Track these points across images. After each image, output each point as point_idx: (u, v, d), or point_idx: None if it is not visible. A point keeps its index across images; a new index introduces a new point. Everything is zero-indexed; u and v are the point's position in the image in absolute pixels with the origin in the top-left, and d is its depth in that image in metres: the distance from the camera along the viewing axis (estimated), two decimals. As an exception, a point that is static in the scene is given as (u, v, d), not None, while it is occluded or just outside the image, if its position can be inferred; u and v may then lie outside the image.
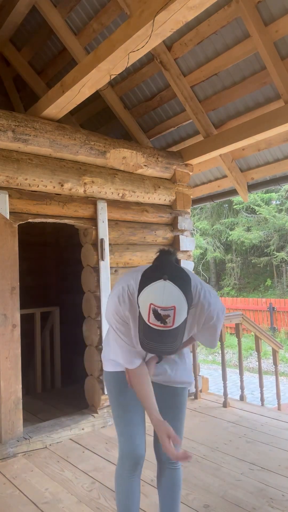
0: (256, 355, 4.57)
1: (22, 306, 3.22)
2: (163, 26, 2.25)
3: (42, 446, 3.08)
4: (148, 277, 1.35)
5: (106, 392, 1.78)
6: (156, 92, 4.09)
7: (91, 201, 3.56)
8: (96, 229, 3.58)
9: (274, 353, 4.61)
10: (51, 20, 3.75)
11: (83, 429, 3.35)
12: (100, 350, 3.47)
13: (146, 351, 1.44)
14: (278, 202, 16.40)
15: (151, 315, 1.29)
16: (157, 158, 3.99)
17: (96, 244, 3.58)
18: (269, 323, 12.22)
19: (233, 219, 17.34)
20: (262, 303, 12.84)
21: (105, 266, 3.59)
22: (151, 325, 1.31)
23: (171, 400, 1.81)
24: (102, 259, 3.58)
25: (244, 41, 3.24)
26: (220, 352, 4.18)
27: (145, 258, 3.95)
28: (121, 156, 3.69)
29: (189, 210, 4.38)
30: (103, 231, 3.60)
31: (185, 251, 4.30)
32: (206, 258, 18.31)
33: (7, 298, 3.03)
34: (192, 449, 3.01)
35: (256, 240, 16.24)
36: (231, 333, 10.40)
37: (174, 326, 1.30)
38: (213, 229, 17.88)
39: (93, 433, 3.36)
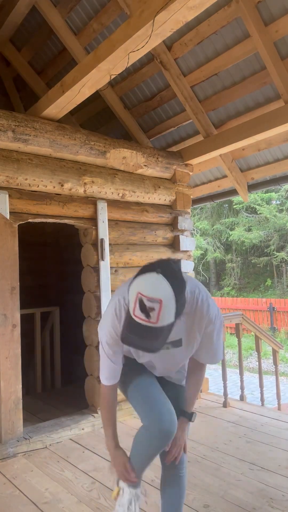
0: (256, 355, 4.57)
1: (22, 306, 3.22)
2: (163, 26, 2.25)
3: (42, 446, 3.08)
4: (142, 270, 1.34)
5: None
6: (156, 92, 4.09)
7: (91, 201, 3.56)
8: (96, 229, 3.58)
9: (274, 353, 4.61)
10: (51, 20, 3.75)
11: (83, 429, 3.35)
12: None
13: (125, 344, 1.40)
14: (278, 202, 16.40)
15: (137, 306, 1.27)
16: (157, 158, 3.99)
17: (96, 244, 3.58)
18: (269, 323, 12.22)
19: (233, 219, 17.35)
20: (262, 303, 12.84)
21: (105, 266, 3.59)
22: (136, 318, 1.28)
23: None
24: (102, 259, 3.58)
25: (244, 41, 3.23)
26: (220, 352, 4.18)
27: (145, 258, 3.95)
28: (121, 156, 3.69)
29: (189, 210, 4.38)
30: (103, 231, 3.60)
31: (185, 251, 4.30)
32: (207, 259, 18.31)
33: (7, 298, 3.03)
34: (192, 449, 3.01)
35: (256, 240, 16.25)
36: (231, 333, 10.40)
37: (157, 324, 1.26)
38: (213, 229, 17.89)
39: (93, 433, 3.36)
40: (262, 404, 4.29)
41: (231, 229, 17.28)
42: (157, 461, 2.84)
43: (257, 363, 4.47)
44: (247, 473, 2.62)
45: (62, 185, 3.33)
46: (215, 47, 3.42)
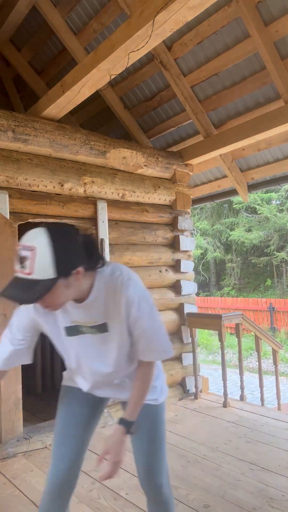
0: (256, 355, 4.58)
1: (22, 306, 3.22)
2: (163, 26, 2.25)
3: (42, 446, 3.08)
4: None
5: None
6: (156, 92, 4.09)
7: (91, 201, 3.56)
8: (96, 229, 3.58)
9: (274, 353, 4.61)
10: (51, 20, 3.75)
11: (83, 429, 3.35)
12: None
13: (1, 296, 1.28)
14: (278, 202, 16.41)
15: (15, 259, 1.22)
16: (157, 158, 3.99)
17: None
18: (269, 323, 12.22)
19: (233, 219, 17.35)
20: (262, 303, 12.84)
21: (105, 266, 3.59)
22: (15, 274, 1.23)
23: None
24: (102, 259, 3.58)
25: (244, 41, 3.24)
26: (220, 352, 4.18)
27: (145, 258, 3.96)
28: (121, 156, 3.69)
29: (189, 210, 4.38)
30: (103, 231, 3.60)
31: (185, 251, 4.30)
32: (207, 258, 18.31)
33: (7, 298, 3.02)
34: (192, 449, 3.01)
35: (256, 240, 16.25)
36: (231, 333, 10.40)
37: (31, 275, 1.17)
38: (213, 229, 17.89)
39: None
40: (262, 404, 4.29)
41: (231, 229, 17.28)
42: (157, 461, 2.83)
43: (257, 363, 4.47)
44: (247, 473, 2.62)
45: (62, 185, 3.33)
46: (215, 47, 3.42)
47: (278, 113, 3.29)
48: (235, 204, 16.42)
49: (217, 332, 4.04)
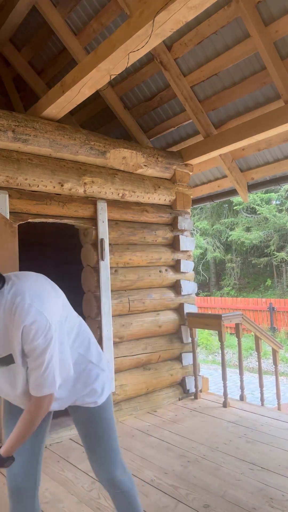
0: (256, 355, 4.58)
1: (22, 306, 3.21)
2: (163, 26, 2.25)
3: (42, 446, 3.08)
4: None
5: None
6: (156, 92, 4.09)
7: (91, 201, 3.56)
8: (96, 229, 3.58)
9: (274, 353, 4.61)
10: (51, 20, 3.75)
11: (83, 429, 3.35)
12: (100, 350, 3.46)
13: None
14: (278, 202, 16.41)
15: None
16: (157, 158, 4.00)
17: (96, 244, 3.59)
18: (269, 323, 12.22)
19: (233, 219, 17.36)
20: (262, 303, 12.83)
21: (105, 266, 3.59)
22: None
23: (80, 425, 1.62)
24: (102, 259, 3.58)
25: (244, 41, 3.24)
26: (220, 352, 4.18)
27: (145, 258, 3.96)
28: (121, 156, 3.69)
29: (189, 210, 4.38)
30: (103, 231, 3.61)
31: (185, 251, 4.31)
32: (206, 258, 18.31)
33: (7, 298, 3.02)
34: (192, 449, 3.01)
35: (256, 240, 16.25)
36: (231, 333, 10.40)
37: None
38: (213, 229, 17.89)
39: (93, 433, 3.35)
40: (262, 404, 4.29)
41: (231, 229, 17.29)
42: (156, 460, 2.85)
43: (257, 363, 4.47)
44: (247, 473, 2.62)
45: (62, 185, 3.33)
46: (215, 47, 3.42)
47: (278, 113, 3.29)
48: (235, 204, 16.43)
49: (217, 332, 4.04)
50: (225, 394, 3.96)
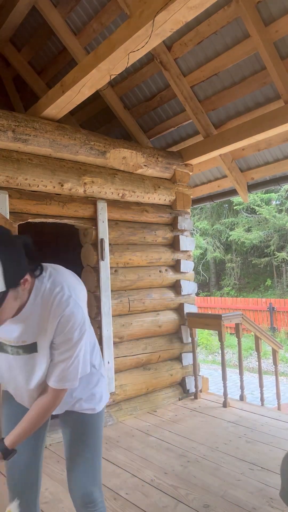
0: (256, 355, 4.58)
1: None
2: (163, 26, 2.25)
3: (42, 446, 3.08)
4: None
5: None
6: (156, 92, 4.09)
7: (91, 201, 3.56)
8: (96, 229, 3.58)
9: (274, 353, 4.61)
10: (51, 20, 3.75)
11: (83, 429, 3.35)
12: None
13: None
14: (278, 202, 16.41)
15: None
16: (157, 158, 4.00)
17: (96, 244, 3.59)
18: (269, 323, 12.22)
19: (233, 219, 17.36)
20: (262, 303, 12.84)
21: (105, 266, 3.60)
22: None
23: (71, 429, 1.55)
24: (102, 259, 3.58)
25: (244, 41, 3.24)
26: (220, 352, 4.18)
27: (145, 258, 3.96)
28: (121, 156, 3.69)
29: (189, 210, 4.38)
30: (103, 231, 3.61)
31: (185, 251, 4.31)
32: (206, 258, 18.31)
33: (7, 298, 3.02)
34: (192, 449, 3.01)
35: (256, 240, 16.26)
36: (231, 333, 10.40)
37: None
38: (213, 229, 17.90)
39: (93, 433, 3.35)
40: (262, 404, 4.29)
41: (231, 229, 17.29)
42: (156, 460, 2.85)
43: (257, 363, 4.47)
44: (247, 473, 2.62)
45: (62, 185, 3.33)
46: (215, 47, 3.42)
47: (278, 113, 3.29)
48: (235, 204, 16.43)
49: (217, 332, 4.04)
50: (225, 394, 3.96)
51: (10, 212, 3.08)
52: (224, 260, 18.22)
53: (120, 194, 3.75)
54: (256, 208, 15.77)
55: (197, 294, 15.45)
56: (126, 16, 3.31)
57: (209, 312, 11.26)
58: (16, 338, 1.32)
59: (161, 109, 4.22)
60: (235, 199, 14.74)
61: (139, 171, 3.88)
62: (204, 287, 18.57)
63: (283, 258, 15.73)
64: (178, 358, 4.21)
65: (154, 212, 4.06)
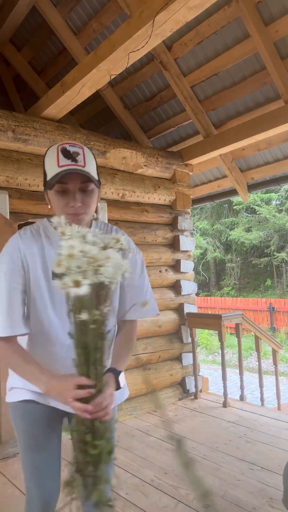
0: (256, 355, 4.58)
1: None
2: (163, 26, 2.25)
3: (42, 446, 3.07)
4: None
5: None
6: (156, 92, 4.09)
7: (91, 201, 3.56)
8: (96, 229, 3.57)
9: (274, 353, 4.61)
10: (51, 20, 3.75)
11: (83, 429, 3.35)
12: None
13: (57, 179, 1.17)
14: (278, 202, 16.41)
15: (60, 156, 1.18)
16: (157, 158, 4.00)
17: (96, 244, 3.58)
18: (269, 323, 12.22)
19: (233, 219, 17.36)
20: (262, 303, 12.84)
21: (105, 266, 3.59)
22: (62, 168, 1.16)
23: None
24: (102, 259, 3.58)
25: (244, 41, 3.24)
26: (220, 352, 4.18)
27: (145, 258, 3.94)
28: (121, 156, 3.69)
29: (189, 210, 4.38)
30: (103, 231, 3.60)
31: (185, 251, 4.31)
32: (206, 258, 18.32)
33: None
34: (192, 449, 3.01)
35: (256, 240, 16.26)
36: (231, 333, 10.40)
37: (85, 168, 1.17)
38: (213, 229, 17.90)
39: (93, 433, 3.35)
40: (262, 404, 4.29)
41: (231, 229, 17.29)
42: (156, 460, 2.85)
43: (257, 363, 4.47)
44: (247, 473, 2.62)
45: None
46: (215, 47, 3.42)
47: (278, 113, 3.29)
48: (235, 204, 16.44)
49: (217, 332, 4.04)
50: (225, 394, 3.96)
51: (10, 212, 3.08)
52: (224, 260, 18.23)
53: (120, 194, 3.75)
54: (256, 208, 15.77)
55: (197, 294, 15.45)
56: (126, 16, 3.31)
57: (209, 312, 11.26)
58: None
59: (161, 109, 4.22)
60: (235, 199, 14.74)
61: (139, 171, 3.88)
62: (204, 287, 18.57)
63: (283, 258, 15.74)
64: (178, 358, 4.21)
65: (154, 212, 4.06)
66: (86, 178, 1.19)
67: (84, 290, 0.91)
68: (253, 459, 2.81)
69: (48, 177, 1.20)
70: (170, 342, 4.13)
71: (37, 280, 1.25)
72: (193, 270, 4.41)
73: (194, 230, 17.36)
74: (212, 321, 4.08)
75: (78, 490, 1.05)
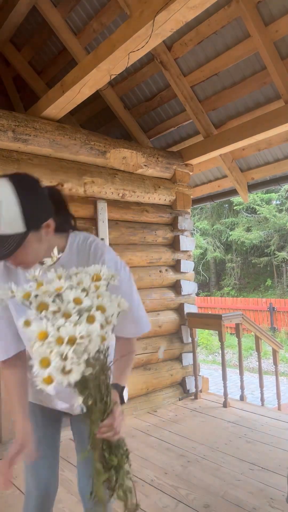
0: (256, 355, 4.58)
1: (22, 306, 3.21)
2: (163, 26, 2.25)
3: (42, 446, 3.07)
4: None
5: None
6: (156, 92, 4.09)
7: (91, 201, 3.56)
8: (96, 229, 3.58)
9: (274, 353, 4.61)
10: (51, 20, 3.75)
11: (83, 429, 3.35)
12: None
13: None
14: (278, 202, 16.41)
15: None
16: (157, 158, 4.00)
17: (96, 244, 3.58)
18: (269, 323, 12.22)
19: (233, 219, 17.36)
20: (262, 303, 12.84)
21: (105, 266, 3.59)
22: None
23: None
24: (102, 259, 3.58)
25: (244, 41, 3.24)
26: (220, 352, 4.18)
27: (145, 258, 3.96)
28: (121, 156, 3.69)
29: (189, 210, 4.38)
30: (103, 231, 3.60)
31: (185, 251, 4.31)
32: (206, 258, 18.31)
33: (7, 298, 3.02)
34: (192, 449, 3.01)
35: (256, 240, 16.26)
36: (231, 333, 10.40)
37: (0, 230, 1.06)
38: (213, 229, 17.90)
39: (93, 433, 3.35)
40: (262, 404, 4.29)
41: (231, 229, 17.29)
42: (156, 460, 2.85)
43: (257, 363, 4.47)
44: (247, 473, 2.62)
45: (62, 185, 3.33)
46: (215, 47, 3.42)
47: (278, 113, 3.29)
48: (235, 204, 16.43)
49: (217, 332, 4.04)
50: (225, 394, 3.95)
51: (10, 212, 3.07)
52: (224, 260, 18.23)
53: (120, 194, 3.75)
54: (257, 207, 15.77)
55: (197, 294, 15.44)
56: (126, 16, 3.31)
57: (209, 312, 11.26)
58: None
59: (161, 109, 4.22)
60: (235, 199, 14.74)
61: (139, 171, 3.88)
62: (204, 287, 18.57)
63: (283, 258, 15.73)
64: (178, 358, 4.21)
65: (154, 212, 4.06)
66: (7, 252, 1.08)
67: (74, 377, 0.82)
68: (253, 459, 2.81)
69: None
70: (170, 342, 4.13)
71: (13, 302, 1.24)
72: (193, 270, 4.41)
73: (194, 230, 17.36)
74: (212, 321, 4.08)
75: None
